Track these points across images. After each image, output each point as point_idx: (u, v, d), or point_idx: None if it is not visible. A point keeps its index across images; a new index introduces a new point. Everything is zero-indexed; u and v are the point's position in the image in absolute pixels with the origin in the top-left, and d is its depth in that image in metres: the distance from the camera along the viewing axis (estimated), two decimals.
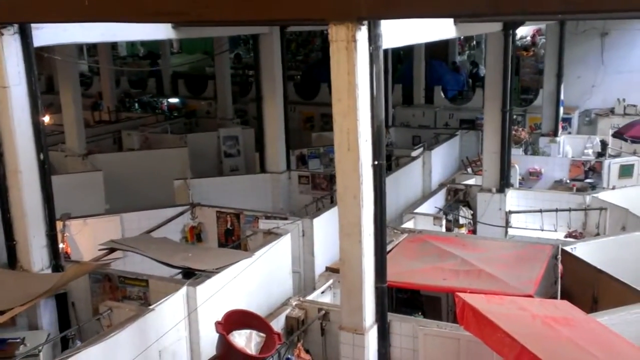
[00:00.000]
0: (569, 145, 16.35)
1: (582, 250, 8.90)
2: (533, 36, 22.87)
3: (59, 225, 9.02)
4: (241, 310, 6.94)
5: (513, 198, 12.12)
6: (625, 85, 17.49)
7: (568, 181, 14.15)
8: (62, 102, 14.52)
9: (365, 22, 6.02)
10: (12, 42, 7.58)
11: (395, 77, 21.22)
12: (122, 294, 8.03)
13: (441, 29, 8.51)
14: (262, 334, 6.79)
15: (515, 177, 13.26)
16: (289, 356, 7.06)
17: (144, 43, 29.91)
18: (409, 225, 10.19)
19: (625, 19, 15.40)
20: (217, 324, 6.47)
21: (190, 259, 7.97)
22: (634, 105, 17.21)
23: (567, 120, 17.43)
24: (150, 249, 8.32)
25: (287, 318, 7.64)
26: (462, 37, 24.14)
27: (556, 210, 11.54)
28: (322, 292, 8.37)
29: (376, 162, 6.41)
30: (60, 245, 8.87)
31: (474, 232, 11.83)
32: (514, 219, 11.87)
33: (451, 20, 8.51)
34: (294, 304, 7.80)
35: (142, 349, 6.60)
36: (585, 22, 17.13)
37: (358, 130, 6.17)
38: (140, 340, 6.70)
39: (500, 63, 11.50)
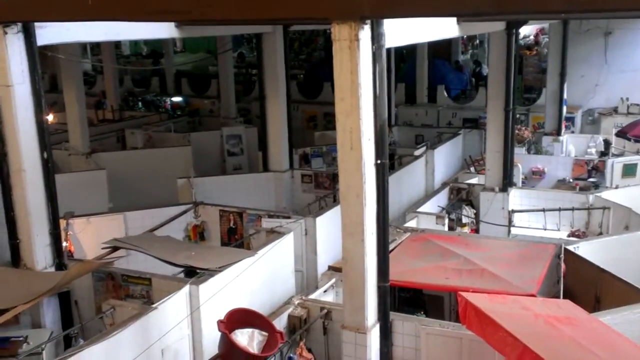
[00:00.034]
0: (572, 145, 16.31)
1: (585, 249, 8.89)
2: (536, 35, 22.85)
3: (62, 223, 9.05)
4: (243, 309, 6.95)
5: (516, 197, 12.10)
6: (628, 84, 17.47)
7: (571, 180, 14.13)
8: (65, 100, 14.54)
9: (368, 21, 6.03)
10: (15, 41, 7.59)
11: (398, 76, 21.22)
12: (125, 292, 8.05)
13: (444, 28, 8.50)
14: (264, 333, 6.79)
15: (518, 176, 13.24)
16: (291, 355, 7.06)
17: (147, 42, 29.97)
18: (411, 224, 10.19)
19: (629, 18, 15.36)
20: (220, 322, 6.47)
21: (193, 257, 7.98)
22: (638, 105, 17.20)
23: (571, 120, 17.41)
24: (153, 247, 8.33)
25: (290, 317, 7.64)
26: (465, 36, 24.10)
27: (559, 210, 11.53)
28: (325, 291, 8.37)
29: (379, 161, 6.41)
30: (64, 244, 8.89)
31: (476, 231, 11.81)
32: (517, 218, 11.85)
33: (454, 19, 8.50)
34: (296, 302, 7.80)
35: (145, 348, 6.61)
36: (589, 21, 17.10)
37: (361, 129, 6.18)
38: (142, 338, 6.71)
39: (503, 62, 11.48)
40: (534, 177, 14.49)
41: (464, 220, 11.81)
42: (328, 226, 9.73)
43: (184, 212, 10.79)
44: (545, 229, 11.51)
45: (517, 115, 15.98)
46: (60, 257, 8.35)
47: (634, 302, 7.13)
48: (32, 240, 8.04)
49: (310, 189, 12.93)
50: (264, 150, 12.97)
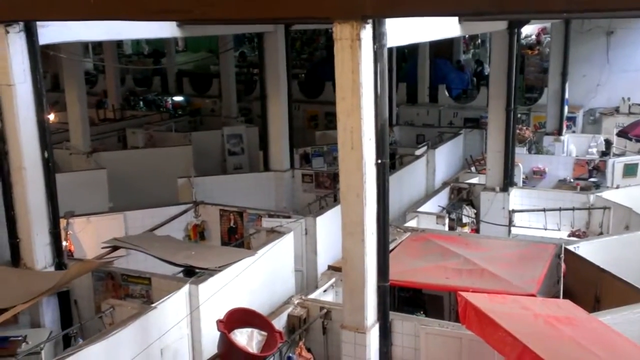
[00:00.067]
0: (573, 144, 16.30)
1: (585, 249, 8.89)
2: (538, 35, 22.81)
3: (62, 223, 9.05)
4: (243, 309, 6.95)
5: (516, 197, 12.10)
6: (630, 84, 17.45)
7: (572, 180, 14.12)
8: (67, 100, 14.55)
9: (370, 21, 6.02)
10: (17, 40, 7.59)
11: (400, 75, 21.19)
12: (125, 292, 8.05)
13: (446, 27, 8.50)
14: (263, 333, 6.79)
15: (519, 176, 13.24)
16: (291, 355, 7.06)
17: (148, 41, 29.95)
18: (412, 224, 10.19)
19: (630, 18, 15.35)
20: (219, 322, 6.47)
21: (193, 257, 7.98)
22: (639, 104, 17.17)
23: (572, 119, 17.40)
24: (153, 247, 8.33)
25: (289, 316, 7.62)
26: (466, 36, 24.08)
27: (560, 210, 11.52)
28: (324, 291, 8.36)
29: (379, 161, 6.40)
30: (64, 243, 8.89)
31: (477, 231, 11.81)
32: (517, 218, 11.84)
33: (456, 18, 8.50)
34: (295, 302, 7.79)
35: (144, 347, 6.61)
36: (591, 21, 17.07)
37: (362, 128, 6.17)
38: (142, 338, 6.71)
39: (504, 62, 11.47)
40: (534, 177, 14.48)
41: (465, 220, 11.80)
42: (328, 226, 9.72)
43: (184, 211, 10.79)
44: (545, 229, 11.50)
45: (519, 115, 16.00)
46: (60, 256, 8.34)
47: (634, 302, 7.12)
48: (32, 240, 8.04)
49: (311, 189, 12.92)
50: (265, 150, 12.97)
